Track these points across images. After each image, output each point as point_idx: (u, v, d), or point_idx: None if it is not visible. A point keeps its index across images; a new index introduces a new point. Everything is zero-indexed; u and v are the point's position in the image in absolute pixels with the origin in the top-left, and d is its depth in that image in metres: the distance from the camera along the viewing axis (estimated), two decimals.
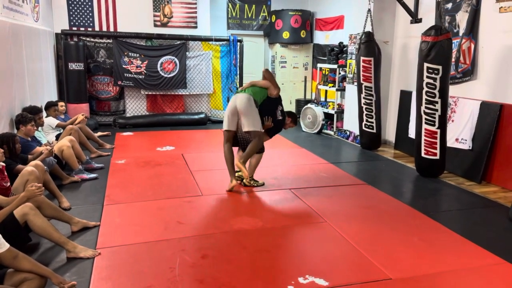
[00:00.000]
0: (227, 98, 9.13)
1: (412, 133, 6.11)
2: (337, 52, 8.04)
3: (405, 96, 6.59)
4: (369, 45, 6.34)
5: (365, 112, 6.61)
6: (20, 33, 5.40)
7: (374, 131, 6.62)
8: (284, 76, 9.86)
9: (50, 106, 5.93)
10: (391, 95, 7.09)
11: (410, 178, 5.31)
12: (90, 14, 8.16)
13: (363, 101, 6.58)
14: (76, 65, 7.68)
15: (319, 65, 8.68)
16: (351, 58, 7.41)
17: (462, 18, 5.44)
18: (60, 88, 7.93)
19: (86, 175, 4.89)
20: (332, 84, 8.07)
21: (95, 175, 4.97)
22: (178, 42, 8.48)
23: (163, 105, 8.82)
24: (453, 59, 5.31)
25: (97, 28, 8.24)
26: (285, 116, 4.80)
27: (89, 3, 8.10)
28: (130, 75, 8.29)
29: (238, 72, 9.05)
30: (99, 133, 7.15)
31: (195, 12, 8.78)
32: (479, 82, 5.29)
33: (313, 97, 9.49)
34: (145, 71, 8.33)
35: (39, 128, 5.38)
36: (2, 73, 4.61)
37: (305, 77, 9.78)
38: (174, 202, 4.20)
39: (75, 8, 8.06)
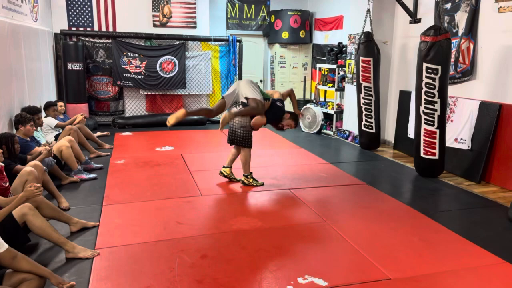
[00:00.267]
0: None
1: (411, 133, 6.11)
2: (337, 52, 8.04)
3: (404, 96, 6.60)
4: (368, 45, 6.34)
5: (364, 112, 6.61)
6: (19, 33, 5.40)
7: (373, 131, 6.62)
8: (283, 76, 9.86)
9: (49, 106, 5.92)
10: (390, 95, 7.09)
11: (409, 178, 5.32)
12: (89, 14, 8.16)
13: (362, 101, 6.58)
14: (75, 65, 7.68)
15: (318, 65, 8.68)
16: (350, 58, 7.41)
17: (461, 18, 5.45)
18: (59, 88, 7.92)
19: (85, 175, 4.88)
20: (331, 84, 8.07)
21: (94, 175, 4.97)
22: (177, 42, 8.48)
23: (163, 105, 8.82)
24: (452, 59, 5.31)
25: (96, 28, 8.23)
26: (284, 109, 4.74)
27: (88, 3, 8.10)
28: (129, 75, 8.29)
29: (237, 72, 9.05)
30: (98, 133, 7.15)
31: (194, 12, 8.77)
32: (478, 82, 5.30)
33: (313, 97, 9.48)
34: (144, 71, 8.33)
35: (38, 128, 5.37)
36: (1, 73, 4.60)
37: (305, 77, 9.78)
38: (173, 202, 4.20)
39: (74, 8, 8.06)
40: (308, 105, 8.19)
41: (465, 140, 5.31)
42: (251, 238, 3.43)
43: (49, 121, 5.77)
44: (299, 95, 9.81)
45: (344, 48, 7.81)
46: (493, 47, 5.04)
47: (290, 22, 9.43)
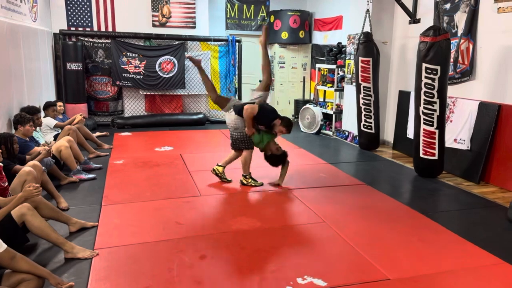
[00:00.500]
0: None
1: (410, 134, 6.11)
2: (336, 53, 8.04)
3: (403, 97, 6.60)
4: (368, 45, 6.34)
5: (363, 113, 6.61)
6: (18, 33, 5.39)
7: (373, 131, 6.62)
8: (283, 77, 9.86)
9: (48, 106, 5.91)
10: (390, 95, 7.09)
11: (409, 179, 5.32)
12: (89, 14, 8.15)
13: (361, 101, 6.58)
14: (74, 65, 7.66)
15: (317, 65, 8.68)
16: (349, 59, 7.41)
17: (460, 19, 5.45)
18: (58, 88, 7.91)
19: (84, 176, 4.88)
20: (331, 85, 8.07)
21: (93, 175, 4.96)
22: (177, 42, 8.48)
23: (162, 105, 8.81)
24: (451, 60, 5.31)
25: (95, 28, 8.23)
26: (274, 109, 4.82)
27: (88, 3, 8.09)
28: (128, 75, 8.28)
29: (236, 73, 9.05)
30: (97, 133, 7.14)
31: (194, 12, 8.77)
32: (477, 83, 5.30)
33: (312, 98, 9.48)
34: (143, 71, 8.32)
35: (37, 128, 5.36)
36: (0, 73, 4.59)
37: (304, 78, 9.78)
38: (173, 203, 4.19)
39: (73, 8, 8.05)
40: (308, 105, 8.19)
41: (464, 140, 5.31)
42: (250, 238, 3.42)
43: (48, 121, 5.77)
44: (298, 96, 9.82)
45: (344, 49, 7.82)
46: (493, 47, 5.04)
47: (289, 22, 9.43)
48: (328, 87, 8.13)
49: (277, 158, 4.75)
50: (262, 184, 4.77)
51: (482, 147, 5.06)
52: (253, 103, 4.61)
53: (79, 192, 4.49)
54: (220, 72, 9.01)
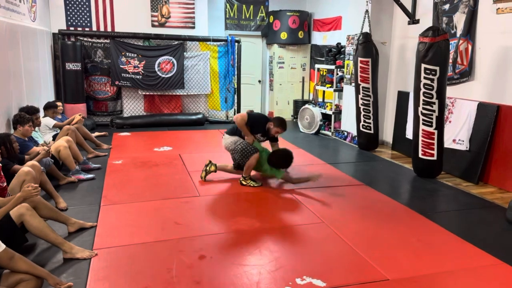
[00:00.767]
0: (224, 98, 9.13)
1: (409, 134, 6.12)
2: (335, 53, 8.04)
3: (402, 97, 6.60)
4: (367, 46, 6.34)
5: (362, 113, 6.61)
6: (17, 33, 5.39)
7: (372, 131, 6.63)
8: (282, 77, 9.87)
9: (49, 107, 5.91)
10: (389, 95, 7.10)
11: (408, 179, 5.32)
12: (88, 14, 8.15)
13: (360, 101, 6.59)
14: (73, 65, 7.66)
15: (316, 65, 8.68)
16: (348, 59, 7.42)
17: (459, 19, 5.46)
18: (57, 88, 7.91)
19: (83, 176, 4.87)
20: (330, 85, 8.08)
21: (92, 175, 4.95)
22: (176, 42, 8.47)
23: (161, 106, 8.81)
24: (450, 60, 5.32)
25: (94, 28, 8.22)
26: (265, 116, 4.99)
27: (87, 3, 8.09)
28: (127, 75, 8.28)
29: (236, 73, 9.05)
30: (96, 133, 7.14)
31: (193, 13, 8.77)
32: (476, 83, 5.31)
33: (311, 98, 9.49)
34: (142, 71, 8.32)
35: (36, 128, 5.36)
36: None
37: (303, 78, 9.79)
38: (172, 203, 4.19)
39: (73, 8, 8.04)
40: (307, 105, 8.20)
41: (463, 141, 5.32)
42: (249, 238, 3.42)
43: (47, 121, 5.76)
44: (297, 96, 9.83)
45: (343, 49, 7.82)
46: (491, 48, 5.05)
47: (288, 23, 9.43)
48: (327, 88, 8.14)
49: (283, 159, 4.76)
50: (261, 185, 4.77)
51: (481, 148, 5.07)
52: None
53: (78, 192, 4.49)
54: (219, 72, 9.01)
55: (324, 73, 8.39)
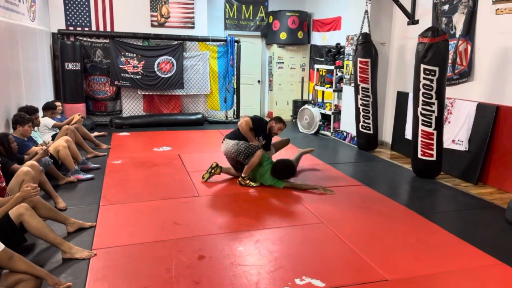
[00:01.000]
0: (224, 98, 9.13)
1: (408, 134, 6.12)
2: (334, 53, 8.05)
3: (402, 97, 6.61)
4: (366, 46, 6.34)
5: (362, 113, 6.62)
6: (16, 33, 5.38)
7: (371, 132, 6.63)
8: (281, 77, 9.87)
9: (48, 108, 5.90)
10: (388, 96, 7.10)
11: (407, 179, 5.32)
12: (87, 13, 8.14)
13: (360, 102, 6.59)
14: (72, 65, 7.65)
15: (316, 66, 8.69)
16: (348, 59, 7.42)
17: (458, 20, 5.46)
18: (57, 88, 7.90)
19: (82, 176, 4.87)
20: (329, 85, 8.08)
21: (91, 175, 4.95)
22: (175, 42, 8.47)
23: (160, 106, 8.80)
24: (449, 61, 5.32)
25: (94, 28, 8.22)
26: (263, 118, 5.04)
27: (86, 3, 8.08)
28: (127, 75, 8.27)
29: (235, 73, 9.05)
30: (96, 133, 7.13)
31: (193, 13, 8.77)
32: (475, 84, 5.31)
33: (310, 98, 9.49)
34: (142, 71, 8.31)
35: (35, 128, 5.35)
36: None
37: (302, 78, 9.79)
38: (171, 203, 4.19)
39: (72, 7, 8.04)
40: (306, 106, 8.20)
41: (462, 141, 5.32)
42: (248, 239, 3.42)
43: (46, 121, 5.75)
44: (297, 96, 9.83)
45: (342, 49, 7.83)
46: (491, 48, 5.05)
47: (288, 23, 9.44)
48: (327, 88, 8.14)
49: (285, 170, 4.79)
50: (260, 185, 4.77)
51: (480, 148, 5.07)
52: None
53: (77, 192, 4.48)
54: (219, 73, 9.01)
55: (324, 74, 8.40)
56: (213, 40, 8.77)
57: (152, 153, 6.17)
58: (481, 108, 5.10)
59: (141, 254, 3.12)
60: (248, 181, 4.75)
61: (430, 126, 5.03)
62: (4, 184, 3.45)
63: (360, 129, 6.71)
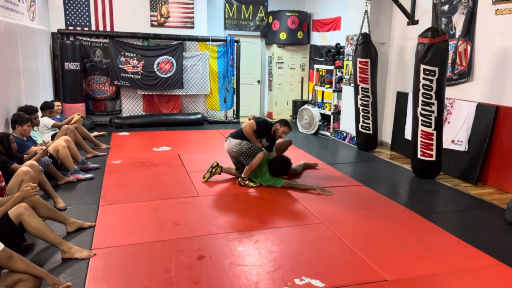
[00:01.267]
0: (224, 98, 9.13)
1: (408, 135, 6.12)
2: (334, 53, 8.05)
3: (401, 98, 6.61)
4: (366, 46, 6.34)
5: (361, 113, 6.62)
6: (16, 32, 5.38)
7: (371, 132, 6.63)
8: (281, 77, 9.87)
9: (46, 108, 5.90)
10: (388, 96, 7.10)
11: (406, 179, 5.32)
12: (87, 13, 8.14)
13: (359, 102, 6.59)
14: (72, 64, 7.65)
15: (316, 66, 8.69)
16: (347, 59, 7.42)
17: (458, 20, 5.46)
18: (56, 87, 7.90)
19: (82, 175, 4.86)
20: (329, 85, 8.09)
21: (91, 175, 4.95)
22: (175, 42, 8.47)
23: (160, 105, 8.80)
24: (449, 61, 5.33)
25: (93, 28, 8.21)
26: (268, 120, 5.04)
27: (86, 3, 8.08)
28: (126, 75, 8.27)
29: (235, 73, 9.05)
30: (95, 133, 7.13)
31: (192, 12, 8.77)
32: (475, 84, 5.31)
33: (310, 98, 9.49)
34: (141, 71, 8.31)
35: (35, 128, 5.35)
36: None
37: (302, 78, 9.79)
38: (170, 203, 4.19)
39: (72, 7, 8.03)
40: (306, 106, 8.20)
41: (462, 141, 5.32)
42: (248, 238, 3.42)
43: (45, 121, 5.75)
44: (296, 96, 9.83)
45: (342, 49, 7.83)
46: (490, 49, 5.05)
47: (288, 23, 9.44)
48: (326, 88, 8.14)
49: (282, 166, 4.82)
50: (259, 185, 4.77)
51: (479, 149, 5.08)
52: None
53: (77, 192, 4.48)
54: (219, 73, 9.01)
55: (323, 74, 8.40)
56: (213, 40, 8.77)
57: (152, 153, 6.17)
58: (481, 109, 5.10)
59: (141, 254, 3.12)
60: (247, 182, 4.75)
61: (430, 127, 5.03)
62: (3, 183, 3.44)
63: (360, 129, 6.71)
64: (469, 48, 5.31)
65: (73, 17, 8.07)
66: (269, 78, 10.09)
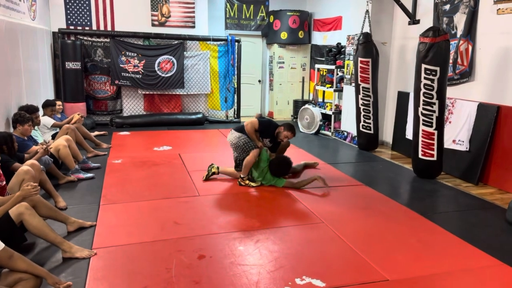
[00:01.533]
0: (224, 98, 9.13)
1: (409, 134, 6.12)
2: (335, 53, 8.04)
3: (402, 97, 6.60)
4: (367, 46, 6.34)
5: (362, 113, 6.61)
6: (17, 32, 5.38)
7: (372, 132, 6.62)
8: (282, 77, 9.86)
9: (48, 105, 5.90)
10: (389, 96, 7.09)
11: (407, 179, 5.32)
12: (88, 13, 8.14)
13: (360, 102, 6.58)
14: (73, 64, 7.65)
15: (317, 65, 8.68)
16: (349, 59, 7.42)
17: (459, 20, 5.45)
18: (57, 87, 7.90)
19: (83, 175, 4.86)
20: (330, 85, 8.08)
21: (92, 174, 4.95)
22: (176, 42, 8.47)
23: (161, 105, 8.80)
24: (450, 61, 5.32)
25: (94, 27, 8.21)
26: (273, 121, 5.02)
27: (87, 2, 8.08)
28: (127, 74, 8.27)
29: (236, 72, 9.05)
30: (96, 133, 7.13)
31: (193, 12, 8.76)
32: (476, 84, 5.30)
33: (311, 98, 9.49)
34: (142, 71, 8.31)
35: (36, 127, 5.35)
36: None
37: (303, 78, 9.78)
38: (171, 202, 4.19)
39: (73, 6, 8.03)
40: (307, 105, 8.19)
41: (463, 141, 5.31)
42: (248, 238, 3.42)
43: (45, 121, 5.75)
44: (297, 96, 9.82)
45: (343, 49, 7.82)
46: (492, 48, 5.04)
47: (289, 23, 9.43)
48: (327, 88, 8.14)
49: (282, 167, 4.83)
50: (260, 185, 4.77)
51: (480, 148, 5.07)
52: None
53: (77, 191, 4.48)
54: (219, 72, 9.01)
55: (324, 73, 8.39)
56: (214, 40, 8.77)
57: (153, 153, 6.17)
58: (482, 108, 5.09)
59: (141, 253, 3.11)
60: (247, 181, 4.75)
61: (431, 126, 5.03)
62: (4, 183, 3.44)
63: (361, 129, 6.71)
64: (470, 47, 5.30)
65: (74, 17, 8.08)
66: (270, 78, 10.09)
